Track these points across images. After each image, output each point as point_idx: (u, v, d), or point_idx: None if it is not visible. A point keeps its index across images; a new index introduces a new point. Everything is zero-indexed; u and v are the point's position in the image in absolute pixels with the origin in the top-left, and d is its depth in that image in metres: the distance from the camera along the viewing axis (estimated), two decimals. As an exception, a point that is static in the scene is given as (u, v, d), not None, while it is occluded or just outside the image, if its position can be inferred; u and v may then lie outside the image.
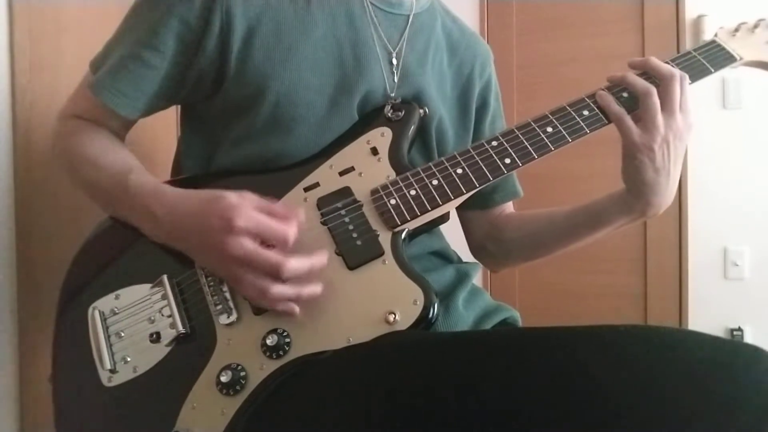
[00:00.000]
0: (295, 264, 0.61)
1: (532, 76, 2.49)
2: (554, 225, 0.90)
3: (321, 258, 0.64)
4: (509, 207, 1.00)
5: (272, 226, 0.62)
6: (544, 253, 0.93)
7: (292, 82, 0.74)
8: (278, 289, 0.61)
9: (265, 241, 0.62)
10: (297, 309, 0.64)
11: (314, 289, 0.64)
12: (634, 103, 0.75)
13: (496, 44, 2.56)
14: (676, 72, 0.74)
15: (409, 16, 0.84)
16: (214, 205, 0.63)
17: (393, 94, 0.79)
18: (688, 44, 2.26)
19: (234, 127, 0.77)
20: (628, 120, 0.74)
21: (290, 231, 0.62)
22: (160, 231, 0.69)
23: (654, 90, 0.73)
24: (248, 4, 0.73)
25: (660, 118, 0.72)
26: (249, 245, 0.60)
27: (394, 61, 0.81)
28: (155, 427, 0.63)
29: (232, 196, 0.62)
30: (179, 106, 0.86)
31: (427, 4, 0.87)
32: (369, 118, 0.78)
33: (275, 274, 0.61)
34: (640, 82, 0.74)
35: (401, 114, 0.77)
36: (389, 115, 0.77)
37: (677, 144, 0.74)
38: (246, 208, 0.61)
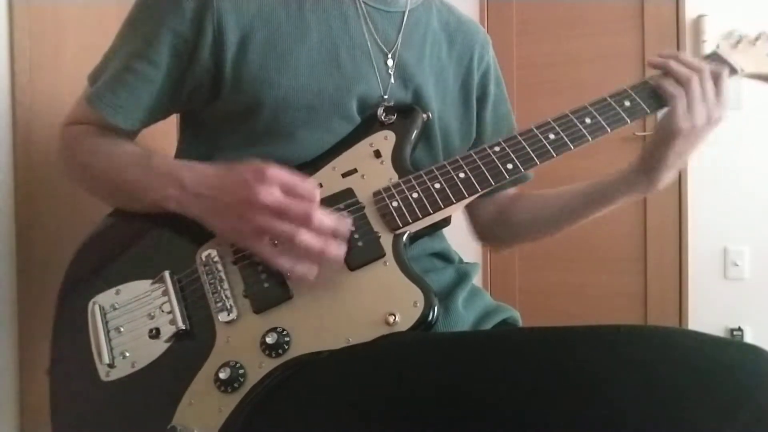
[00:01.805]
0: (323, 216, 0.62)
1: (532, 76, 2.49)
2: (562, 206, 0.91)
3: (346, 221, 0.65)
4: (512, 189, 1.01)
5: (299, 182, 0.63)
6: (553, 232, 0.95)
7: (291, 87, 0.73)
8: (306, 236, 0.62)
9: (293, 196, 0.62)
10: (316, 270, 0.64)
11: (339, 248, 0.64)
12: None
13: (496, 44, 2.55)
14: (705, 66, 0.77)
15: (404, 12, 0.83)
16: (242, 166, 0.64)
17: (386, 96, 0.79)
18: (687, 44, 2.26)
19: (235, 133, 0.77)
20: (684, 103, 0.75)
21: (316, 190, 0.63)
22: (184, 195, 0.68)
23: (697, 78, 0.75)
24: (240, 13, 0.72)
25: (700, 105, 0.75)
26: (278, 193, 0.61)
27: (390, 62, 0.81)
28: (152, 423, 0.63)
29: (257, 161, 0.64)
30: (178, 109, 0.86)
31: None
32: (370, 121, 0.78)
33: (305, 222, 0.61)
34: (684, 70, 0.76)
35: (393, 118, 0.77)
36: (382, 118, 0.77)
37: (706, 133, 0.77)
38: (274, 166, 0.63)
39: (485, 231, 1.00)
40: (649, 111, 0.78)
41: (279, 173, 0.62)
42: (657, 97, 0.78)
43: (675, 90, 0.76)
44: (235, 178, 0.64)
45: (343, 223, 0.64)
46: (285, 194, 0.62)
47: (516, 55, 2.54)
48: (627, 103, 0.77)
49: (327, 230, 0.63)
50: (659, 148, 0.78)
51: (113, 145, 0.77)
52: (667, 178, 0.81)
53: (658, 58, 0.79)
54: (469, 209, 1.00)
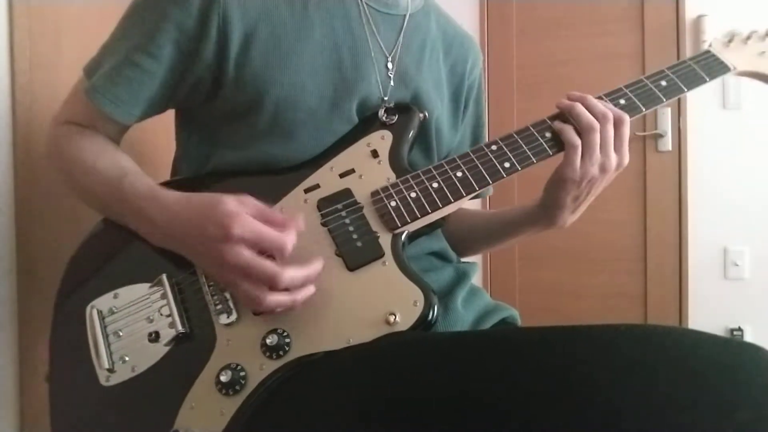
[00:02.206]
0: (291, 274, 0.61)
1: (532, 76, 2.49)
2: (474, 229, 0.95)
3: (317, 266, 0.64)
4: None
5: (269, 235, 0.61)
6: (470, 252, 0.97)
7: (292, 86, 0.73)
8: (273, 298, 0.61)
9: (262, 251, 0.61)
10: (296, 307, 0.64)
11: (308, 291, 0.63)
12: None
13: (496, 44, 2.57)
14: (609, 114, 0.74)
15: (405, 16, 0.84)
16: (211, 211, 0.62)
17: (387, 98, 0.79)
18: (687, 44, 2.27)
19: (234, 131, 0.77)
20: (579, 153, 0.73)
21: (288, 240, 0.62)
22: (157, 235, 0.69)
23: (598, 127, 0.73)
24: (245, 10, 0.72)
25: (597, 155, 0.73)
26: (245, 255, 0.60)
27: (390, 65, 0.81)
28: (153, 427, 0.63)
29: (230, 202, 0.62)
30: (175, 108, 0.85)
31: (421, 4, 0.87)
32: (367, 121, 0.78)
33: (271, 285, 0.61)
34: (587, 117, 0.73)
35: (395, 118, 0.77)
36: (383, 119, 0.77)
37: (601, 182, 0.76)
38: (243, 216, 0.61)
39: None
40: (551, 154, 0.75)
41: (245, 230, 0.60)
42: (557, 141, 0.75)
43: (572, 139, 0.73)
44: (202, 231, 0.62)
45: (315, 268, 0.64)
46: (254, 247, 0.61)
47: (516, 55, 2.53)
48: (548, 135, 0.76)
49: (297, 285, 0.62)
50: (553, 191, 0.77)
51: (94, 159, 0.75)
52: (568, 218, 0.81)
53: (566, 101, 0.76)
54: None
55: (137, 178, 0.71)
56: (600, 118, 0.73)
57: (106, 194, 0.73)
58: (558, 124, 0.75)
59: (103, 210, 0.76)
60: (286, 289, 0.62)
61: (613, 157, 0.74)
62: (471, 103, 0.96)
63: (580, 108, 0.74)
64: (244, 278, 0.61)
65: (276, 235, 0.61)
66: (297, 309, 0.63)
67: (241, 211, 0.61)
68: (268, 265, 0.60)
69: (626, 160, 0.75)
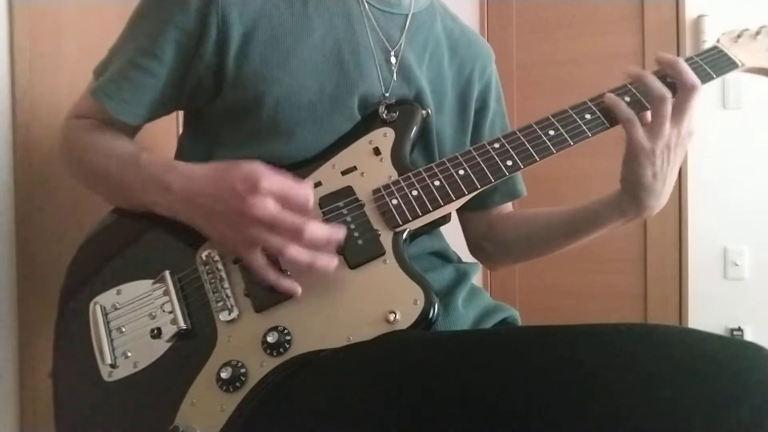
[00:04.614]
0: (316, 228, 0.62)
1: (532, 76, 2.49)
2: (550, 227, 0.91)
3: (340, 230, 0.64)
4: (508, 206, 1.00)
5: (294, 188, 0.62)
6: (542, 253, 0.94)
7: (292, 85, 0.74)
8: (295, 249, 0.61)
9: (287, 204, 0.62)
10: (299, 289, 0.64)
11: (329, 260, 0.63)
12: (639, 108, 0.75)
13: (496, 44, 2.55)
14: (699, 83, 0.73)
15: (407, 15, 0.84)
16: (233, 170, 0.63)
17: (388, 95, 0.79)
18: (688, 44, 2.26)
19: (235, 130, 0.77)
20: (638, 124, 0.73)
21: (310, 196, 0.63)
22: (173, 201, 0.68)
23: (670, 97, 0.73)
24: (244, 9, 0.73)
25: (668, 125, 0.73)
26: (272, 207, 0.61)
27: (393, 60, 0.81)
28: (154, 423, 0.63)
29: (248, 163, 0.63)
30: (180, 108, 0.86)
31: (426, 4, 0.87)
32: (369, 118, 0.78)
33: (296, 236, 0.61)
34: (658, 86, 0.73)
35: (395, 115, 0.77)
36: (384, 116, 0.77)
37: (678, 151, 0.75)
38: (268, 171, 0.62)
39: (476, 246, 1.00)
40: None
41: (272, 183, 0.61)
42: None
43: (629, 114, 0.74)
44: (226, 186, 0.63)
45: (337, 231, 0.64)
46: (278, 204, 0.61)
47: (516, 55, 2.53)
48: (627, 99, 0.75)
49: (319, 242, 0.63)
50: (630, 169, 0.76)
51: (110, 142, 0.77)
52: (655, 200, 0.78)
53: (635, 70, 0.75)
54: (462, 223, 1.00)
55: (154, 155, 0.73)
56: (684, 86, 0.72)
57: (122, 170, 0.73)
58: (610, 98, 0.75)
59: (116, 190, 0.76)
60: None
61: (685, 123, 0.73)
62: (492, 102, 0.96)
63: (650, 77, 0.73)
64: (269, 231, 0.61)
65: (300, 188, 0.62)
66: (315, 267, 0.63)
67: (264, 168, 0.62)
68: (293, 216, 0.61)
69: (692, 125, 0.74)
